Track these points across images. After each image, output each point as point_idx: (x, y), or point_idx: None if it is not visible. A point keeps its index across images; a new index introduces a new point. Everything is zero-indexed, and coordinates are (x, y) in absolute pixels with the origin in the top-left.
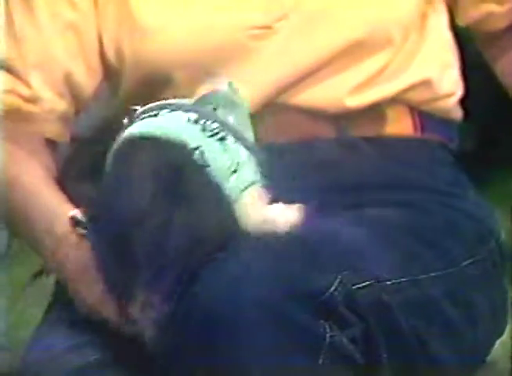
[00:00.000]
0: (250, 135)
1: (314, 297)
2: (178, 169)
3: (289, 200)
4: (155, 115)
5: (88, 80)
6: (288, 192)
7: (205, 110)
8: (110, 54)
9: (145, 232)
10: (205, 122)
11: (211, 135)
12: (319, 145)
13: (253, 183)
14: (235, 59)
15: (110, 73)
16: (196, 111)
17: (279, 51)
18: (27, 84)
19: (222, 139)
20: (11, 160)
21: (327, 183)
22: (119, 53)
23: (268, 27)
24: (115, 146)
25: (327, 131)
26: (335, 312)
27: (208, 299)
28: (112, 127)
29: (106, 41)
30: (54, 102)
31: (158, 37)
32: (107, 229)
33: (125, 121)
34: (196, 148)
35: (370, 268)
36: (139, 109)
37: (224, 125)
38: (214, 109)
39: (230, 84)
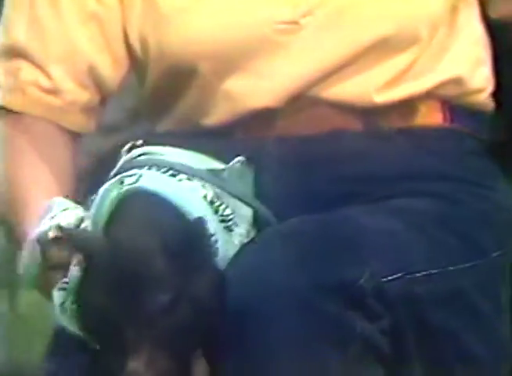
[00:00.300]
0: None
1: (343, 289)
2: (193, 244)
3: (319, 191)
4: (172, 175)
5: (112, 71)
6: (317, 182)
7: (217, 186)
8: (136, 45)
9: (156, 295)
10: (219, 205)
11: (222, 221)
12: (348, 136)
13: None
14: (261, 52)
15: (136, 64)
16: (209, 186)
17: (306, 46)
18: (48, 76)
19: (231, 230)
20: (19, 159)
21: (357, 174)
22: (144, 44)
23: (294, 23)
24: (122, 191)
25: (356, 125)
26: (364, 304)
27: (236, 291)
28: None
29: (130, 32)
30: (76, 93)
31: (183, 29)
32: (118, 282)
33: (125, 151)
34: (212, 234)
35: (400, 259)
36: (142, 146)
37: (239, 199)
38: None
39: (243, 162)
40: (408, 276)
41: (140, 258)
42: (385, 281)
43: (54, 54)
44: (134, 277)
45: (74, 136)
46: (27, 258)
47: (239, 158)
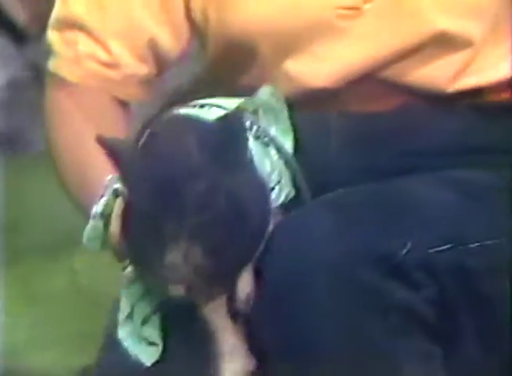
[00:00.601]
0: (289, 145)
1: (383, 259)
2: (230, 135)
3: (382, 166)
4: (202, 107)
5: (172, 44)
6: (381, 157)
7: (250, 116)
8: (198, 19)
9: (194, 186)
10: (251, 124)
11: (257, 137)
12: (412, 110)
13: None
14: (321, 36)
15: (199, 35)
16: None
17: (366, 32)
18: (107, 50)
19: (267, 144)
20: (74, 130)
21: (421, 148)
22: (205, 19)
23: (356, 8)
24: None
25: (422, 103)
26: (405, 274)
27: (277, 260)
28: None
29: (193, 6)
30: (135, 67)
31: (244, 9)
32: (155, 176)
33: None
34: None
35: (452, 231)
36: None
37: (267, 135)
38: (255, 111)
39: (272, 90)
40: (460, 247)
41: (176, 150)
42: (433, 252)
43: (113, 28)
44: (169, 170)
45: (126, 107)
46: (91, 224)
47: (266, 87)
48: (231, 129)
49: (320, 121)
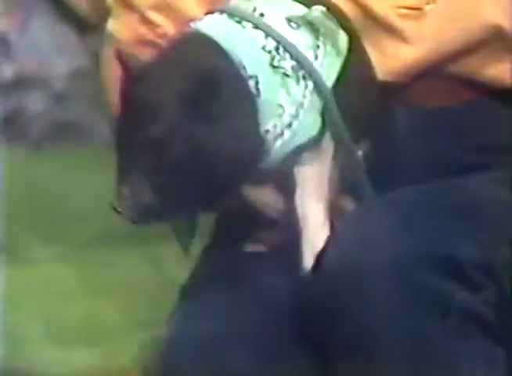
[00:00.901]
0: (336, 68)
1: (443, 259)
2: (212, 79)
3: (445, 161)
4: (238, 21)
5: None
6: (443, 152)
7: (289, 42)
8: None
9: (156, 125)
10: (277, 53)
11: (276, 67)
12: (481, 107)
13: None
14: (382, 32)
15: None
16: (277, 40)
17: (428, 32)
18: (155, 24)
19: (286, 75)
20: None
21: (484, 144)
22: None
23: (418, 9)
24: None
25: (484, 96)
26: (465, 275)
27: (337, 261)
28: None
29: None
30: None
31: None
32: (131, 103)
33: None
34: (252, 76)
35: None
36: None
37: (300, 62)
38: (311, 23)
39: (324, 10)
40: None
41: (156, 84)
42: (491, 253)
43: (152, 1)
44: (142, 102)
45: None
46: None
47: (318, 7)
48: (210, 84)
49: (388, 112)
